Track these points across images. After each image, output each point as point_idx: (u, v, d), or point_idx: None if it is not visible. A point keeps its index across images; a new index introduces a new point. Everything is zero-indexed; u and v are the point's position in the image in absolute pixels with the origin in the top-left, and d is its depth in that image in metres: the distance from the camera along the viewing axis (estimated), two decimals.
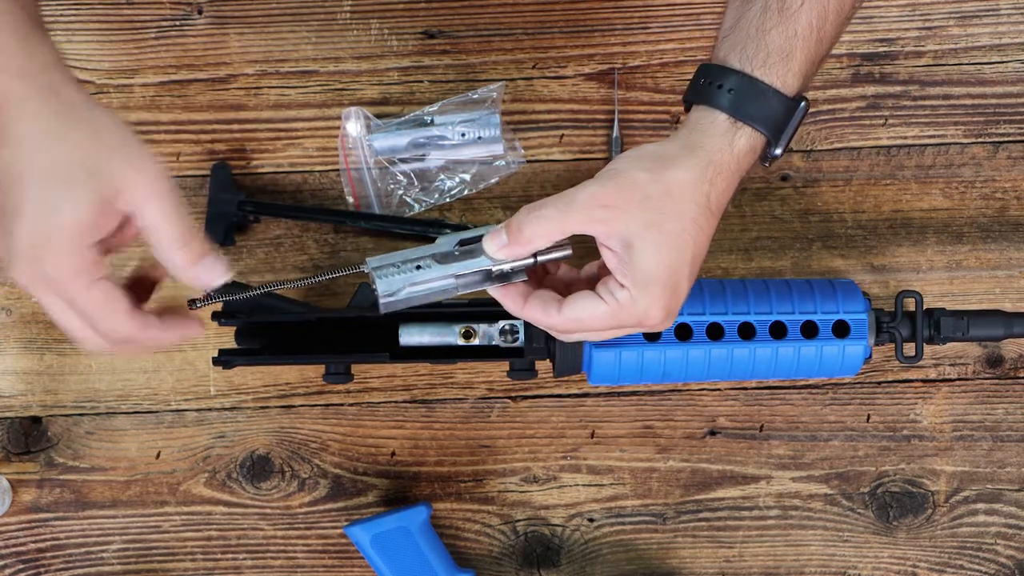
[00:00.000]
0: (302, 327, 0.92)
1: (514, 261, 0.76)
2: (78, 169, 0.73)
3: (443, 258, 0.77)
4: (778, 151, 0.78)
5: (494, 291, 0.78)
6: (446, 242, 0.78)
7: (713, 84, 0.77)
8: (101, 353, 0.79)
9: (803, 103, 0.78)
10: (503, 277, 0.77)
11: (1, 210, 0.74)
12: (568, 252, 0.77)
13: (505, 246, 0.76)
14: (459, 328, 0.88)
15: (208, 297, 0.76)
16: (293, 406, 0.99)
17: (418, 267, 0.76)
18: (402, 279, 0.76)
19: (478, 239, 0.77)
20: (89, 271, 0.74)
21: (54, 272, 0.73)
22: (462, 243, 0.77)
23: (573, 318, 0.77)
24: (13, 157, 0.73)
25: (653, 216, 0.75)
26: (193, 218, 0.75)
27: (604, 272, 0.77)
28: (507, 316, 0.87)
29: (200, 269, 0.74)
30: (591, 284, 0.78)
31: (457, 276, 0.76)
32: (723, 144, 0.77)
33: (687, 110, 0.80)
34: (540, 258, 0.76)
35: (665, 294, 0.76)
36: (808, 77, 0.79)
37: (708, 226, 0.77)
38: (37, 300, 0.76)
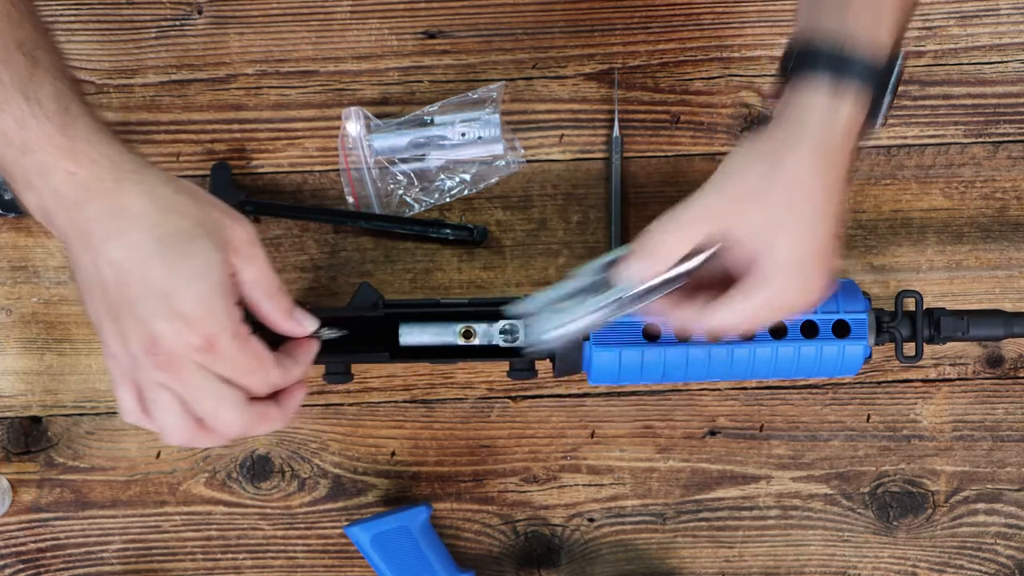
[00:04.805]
0: None
1: (661, 278, 0.78)
2: (199, 230, 0.73)
3: (595, 289, 0.79)
4: (878, 120, 0.77)
5: (647, 307, 0.80)
6: (588, 272, 0.80)
7: (807, 50, 0.76)
8: (217, 441, 0.78)
9: (899, 58, 0.77)
10: (654, 291, 0.79)
11: (118, 309, 0.73)
12: (712, 250, 0.78)
13: (645, 267, 0.78)
14: (459, 328, 0.88)
15: (330, 324, 0.83)
16: None
17: (577, 301, 0.79)
18: (558, 319, 0.79)
19: (615, 262, 0.79)
20: (244, 328, 0.75)
21: (212, 339, 0.73)
22: (605, 267, 0.80)
23: (722, 322, 0.79)
24: (135, 239, 0.72)
25: (781, 209, 0.76)
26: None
27: (738, 272, 0.78)
28: (507, 316, 0.87)
29: (295, 321, 0.79)
30: (726, 284, 0.80)
31: (612, 304, 0.79)
32: (826, 117, 0.75)
33: (778, 93, 0.78)
34: (685, 267, 0.78)
35: (811, 277, 0.78)
36: (899, 30, 0.77)
37: (836, 199, 0.77)
38: (152, 412, 0.76)
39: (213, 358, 0.74)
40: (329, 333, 0.84)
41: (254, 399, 0.78)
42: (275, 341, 0.81)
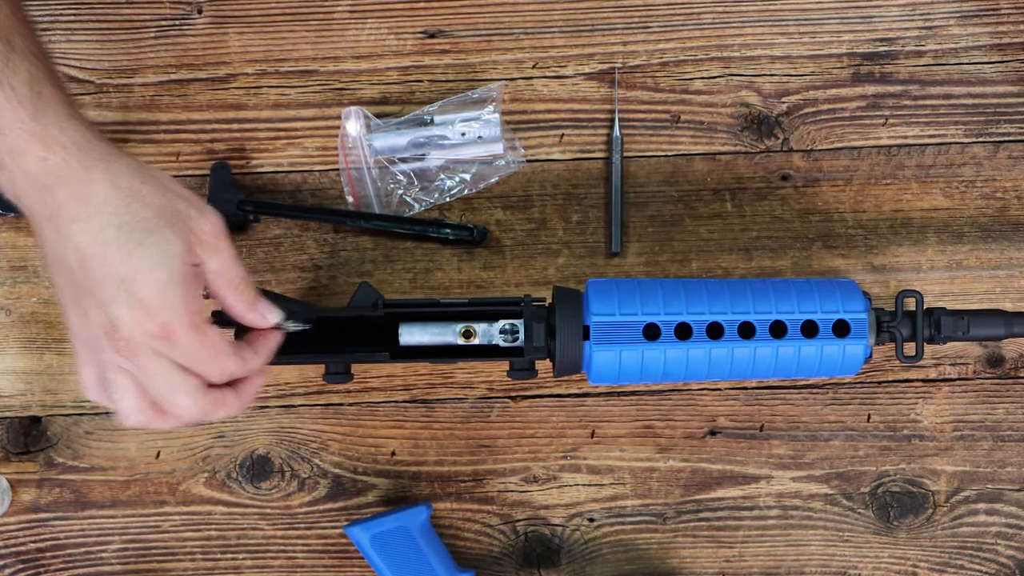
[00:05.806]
0: None
1: None
2: (161, 220, 0.75)
3: None
4: None
5: None
6: None
7: None
8: (188, 423, 0.80)
9: None
10: None
11: (82, 291, 0.74)
12: None
13: None
14: (459, 328, 0.88)
15: (297, 317, 0.84)
16: (293, 406, 0.99)
17: None
18: None
19: None
20: (203, 319, 0.76)
21: (168, 327, 0.74)
22: None
23: None
24: (99, 225, 0.74)
25: None
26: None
27: None
28: (507, 316, 0.87)
29: (258, 313, 0.81)
30: None
31: None
32: None
33: None
34: None
35: None
36: None
37: None
38: (111, 392, 0.77)
39: (170, 346, 0.75)
40: (294, 325, 0.84)
41: (212, 386, 0.79)
42: (246, 329, 0.82)
